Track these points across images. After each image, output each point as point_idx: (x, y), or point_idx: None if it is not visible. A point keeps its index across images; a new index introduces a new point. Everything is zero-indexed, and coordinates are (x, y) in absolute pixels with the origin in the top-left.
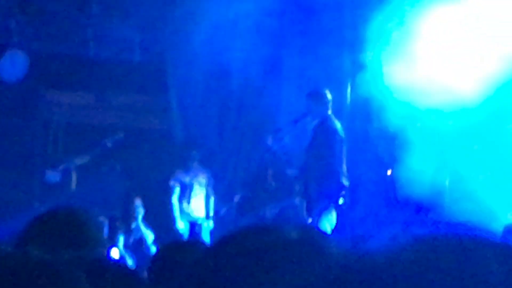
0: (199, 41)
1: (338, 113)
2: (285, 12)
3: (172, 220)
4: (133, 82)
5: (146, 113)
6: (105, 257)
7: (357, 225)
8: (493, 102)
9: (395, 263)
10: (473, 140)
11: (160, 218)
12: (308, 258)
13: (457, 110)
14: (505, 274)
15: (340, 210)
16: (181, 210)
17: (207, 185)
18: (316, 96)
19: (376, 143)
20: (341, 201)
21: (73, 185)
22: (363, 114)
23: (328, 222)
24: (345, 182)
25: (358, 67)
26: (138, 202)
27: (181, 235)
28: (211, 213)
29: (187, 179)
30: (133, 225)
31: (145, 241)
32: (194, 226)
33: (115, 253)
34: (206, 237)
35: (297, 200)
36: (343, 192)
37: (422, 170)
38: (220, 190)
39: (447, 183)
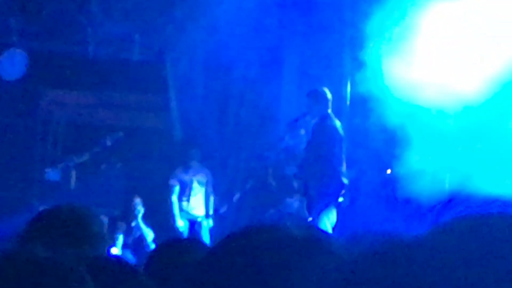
0: (198, 40)
1: (337, 111)
2: (285, 10)
3: (172, 219)
4: (132, 81)
5: (145, 112)
6: (107, 254)
7: (357, 224)
8: (495, 100)
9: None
10: (474, 138)
11: (160, 216)
12: (312, 257)
13: (458, 108)
14: None
15: (340, 209)
16: (181, 209)
17: (207, 184)
18: (316, 95)
19: (376, 141)
20: (340, 199)
21: (73, 183)
22: (363, 111)
23: (328, 221)
24: (345, 180)
25: (358, 64)
26: (138, 200)
27: (180, 234)
28: (211, 212)
29: (186, 178)
30: (133, 224)
31: (145, 240)
32: (193, 224)
33: (115, 252)
34: (205, 236)
35: (297, 199)
36: (343, 191)
37: (422, 169)
38: (219, 189)
39: (447, 183)
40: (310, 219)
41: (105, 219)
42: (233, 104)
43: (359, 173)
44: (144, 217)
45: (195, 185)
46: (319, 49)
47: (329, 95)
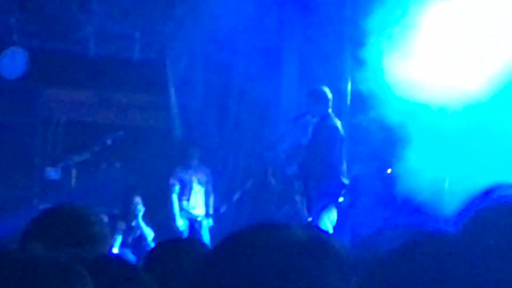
0: (198, 39)
1: (337, 109)
2: (284, 8)
3: (172, 218)
4: (132, 80)
5: (145, 111)
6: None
7: (357, 224)
8: (495, 99)
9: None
10: (475, 137)
11: (160, 216)
12: (315, 257)
13: (459, 106)
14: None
15: (340, 209)
16: (181, 208)
17: (207, 183)
18: (316, 94)
19: (376, 139)
20: (341, 199)
21: (73, 182)
22: (363, 110)
23: (329, 221)
24: (345, 180)
25: (358, 62)
26: (138, 199)
27: (181, 233)
28: (211, 211)
29: (186, 177)
30: (133, 223)
31: (145, 239)
32: (193, 223)
33: (114, 252)
34: (205, 235)
35: (297, 198)
36: (343, 191)
37: (422, 168)
38: (219, 188)
39: (447, 182)
40: (310, 219)
41: (105, 218)
42: (233, 103)
43: (359, 172)
44: (144, 216)
45: (195, 184)
46: (319, 47)
47: (329, 95)
